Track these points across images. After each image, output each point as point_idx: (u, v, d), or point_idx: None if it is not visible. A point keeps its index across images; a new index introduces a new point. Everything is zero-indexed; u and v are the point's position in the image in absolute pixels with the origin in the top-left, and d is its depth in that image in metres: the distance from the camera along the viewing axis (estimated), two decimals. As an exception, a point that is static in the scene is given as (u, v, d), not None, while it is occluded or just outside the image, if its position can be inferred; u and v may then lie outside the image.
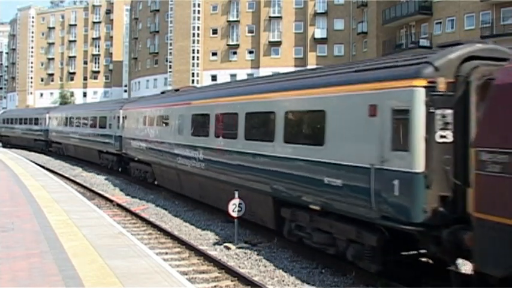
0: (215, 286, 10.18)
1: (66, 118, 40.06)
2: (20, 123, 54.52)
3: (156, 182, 22.67)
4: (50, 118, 45.16)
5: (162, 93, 25.22)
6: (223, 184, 15.08)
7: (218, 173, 15.39)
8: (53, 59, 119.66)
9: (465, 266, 9.22)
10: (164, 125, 20.30)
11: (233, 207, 13.25)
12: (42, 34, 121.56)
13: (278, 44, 72.07)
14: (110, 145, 29.12)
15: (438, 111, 8.40)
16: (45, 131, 45.56)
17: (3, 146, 58.11)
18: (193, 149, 16.88)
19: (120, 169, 29.00)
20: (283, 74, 15.81)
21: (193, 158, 16.79)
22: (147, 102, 24.15)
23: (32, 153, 46.85)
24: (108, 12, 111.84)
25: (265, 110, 13.07)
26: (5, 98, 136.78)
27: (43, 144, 47.03)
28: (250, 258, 12.11)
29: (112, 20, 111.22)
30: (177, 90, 23.09)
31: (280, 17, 72.08)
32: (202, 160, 16.13)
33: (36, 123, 48.77)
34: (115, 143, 28.15)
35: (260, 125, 13.74)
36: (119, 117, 27.79)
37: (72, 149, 38.71)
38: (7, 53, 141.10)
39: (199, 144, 16.49)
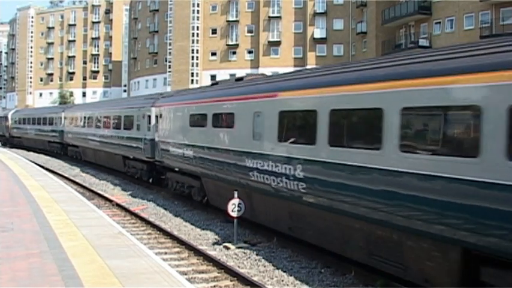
0: (214, 286, 10.19)
1: (84, 118, 35.11)
2: (33, 123, 49.88)
3: (205, 200, 17.82)
4: (65, 118, 40.49)
5: (215, 84, 19.24)
6: (353, 221, 10.01)
7: (339, 201, 10.17)
8: (52, 58, 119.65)
9: None
10: (225, 126, 15.27)
11: (232, 207, 13.26)
12: (42, 34, 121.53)
13: (277, 44, 72.07)
14: (139, 150, 24.29)
15: None
16: (60, 132, 41.09)
17: (3, 145, 56.66)
18: (283, 161, 11.95)
19: (151, 180, 24.09)
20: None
21: (284, 174, 11.89)
22: (195, 97, 18.62)
23: (31, 153, 46.70)
24: (108, 12, 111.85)
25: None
26: (4, 98, 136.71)
27: (58, 147, 42.59)
28: (249, 258, 12.13)
29: (111, 20, 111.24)
30: (239, 79, 17.22)
31: (279, 17, 72.08)
32: (300, 178, 11.30)
33: (50, 123, 44.16)
34: (145, 148, 23.39)
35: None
36: (149, 116, 23.21)
37: (91, 153, 34.18)
38: (6, 53, 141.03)
39: (295, 154, 11.57)
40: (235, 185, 14.15)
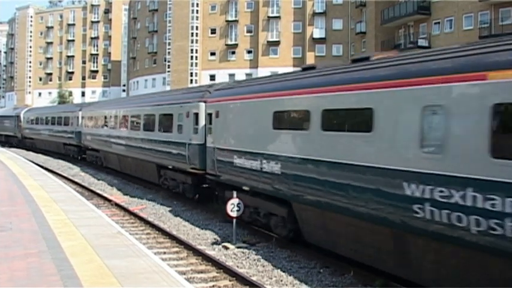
0: (213, 286, 10.18)
1: (106, 117, 30.01)
2: (46, 123, 45.20)
3: (291, 234, 12.93)
4: (83, 117, 35.89)
5: (310, 68, 13.01)
6: None
7: None
8: (51, 58, 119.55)
9: None
10: (353, 129, 10.31)
11: (231, 207, 13.26)
12: (41, 33, 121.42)
13: (277, 43, 72.07)
14: (181, 159, 19.22)
15: None
16: (77, 133, 36.50)
17: (13, 147, 53.48)
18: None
19: (197, 196, 19.20)
20: None
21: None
22: (282, 86, 12.99)
23: (31, 152, 46.58)
24: (107, 11, 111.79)
25: None
26: (3, 97, 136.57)
27: (75, 151, 38.15)
28: (248, 258, 12.12)
29: (110, 19, 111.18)
30: (362, 59, 11.23)
31: (278, 17, 72.07)
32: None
33: (65, 124, 39.62)
34: (191, 155, 18.23)
35: None
36: (196, 114, 17.97)
37: (115, 159, 28.87)
38: (5, 53, 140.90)
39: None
40: (372, 220, 9.54)
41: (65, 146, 40.31)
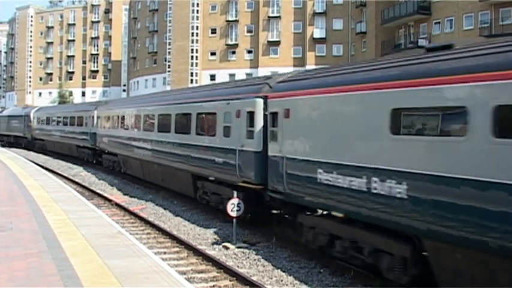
0: (214, 286, 10.18)
1: (126, 117, 26.21)
2: (58, 124, 41.91)
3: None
4: (98, 117, 32.26)
5: (435, 49, 9.16)
6: None
7: None
8: (51, 58, 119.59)
9: None
10: None
11: (231, 207, 13.25)
12: (41, 33, 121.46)
13: (277, 43, 72.06)
14: (228, 169, 15.24)
15: None
16: (92, 135, 32.98)
17: (2, 146, 53.68)
18: None
19: (248, 216, 14.62)
20: None
21: None
22: (406, 73, 9.03)
23: (31, 152, 46.51)
24: (107, 11, 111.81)
25: None
26: (3, 97, 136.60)
27: (89, 154, 34.89)
28: (248, 258, 12.12)
29: (111, 19, 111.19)
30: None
31: (279, 17, 72.06)
32: None
33: (79, 124, 36.25)
34: (243, 165, 14.43)
35: None
36: (251, 113, 14.17)
37: (137, 166, 24.96)
38: (6, 53, 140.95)
39: None
40: None
41: (78, 148, 36.94)
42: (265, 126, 13.53)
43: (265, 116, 13.59)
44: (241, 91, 15.50)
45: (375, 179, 9.28)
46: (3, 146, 55.03)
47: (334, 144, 10.64)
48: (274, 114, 12.83)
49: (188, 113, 18.67)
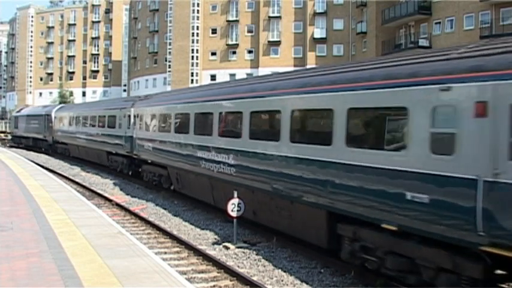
0: (214, 286, 10.18)
1: (180, 116, 19.24)
2: (84, 125, 35.09)
3: None
4: (136, 116, 24.95)
5: None
6: None
7: None
8: (52, 58, 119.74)
9: None
10: None
11: (232, 207, 13.26)
12: (42, 33, 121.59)
13: (277, 43, 72.09)
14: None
15: None
16: (128, 139, 26.05)
17: (27, 150, 47.91)
18: None
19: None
20: None
21: None
22: None
23: (31, 152, 46.39)
24: (108, 11, 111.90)
25: None
26: (4, 97, 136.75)
27: (124, 164, 27.73)
28: (249, 257, 12.12)
29: (111, 19, 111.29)
30: None
31: (279, 17, 72.10)
32: None
33: (110, 126, 29.35)
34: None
35: None
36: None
37: (204, 185, 17.30)
38: (6, 53, 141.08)
39: None
40: None
41: (109, 156, 30.04)
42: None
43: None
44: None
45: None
46: (20, 148, 51.47)
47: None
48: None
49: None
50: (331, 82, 10.91)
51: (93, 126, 32.94)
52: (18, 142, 55.65)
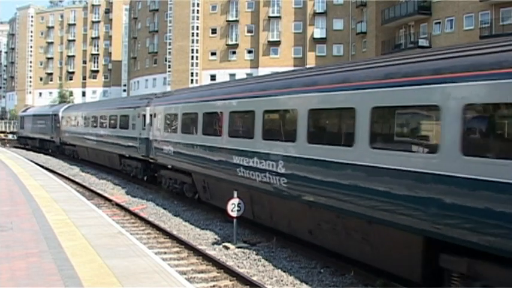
0: (214, 286, 10.18)
1: (206, 116, 16.70)
2: (94, 125, 32.47)
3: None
4: (153, 115, 22.23)
5: None
6: None
7: None
8: (52, 58, 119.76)
9: None
10: None
11: (232, 207, 13.26)
12: (41, 33, 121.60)
13: (277, 43, 72.10)
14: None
15: None
16: (143, 141, 23.47)
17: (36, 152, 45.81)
18: None
19: None
20: None
21: None
22: None
23: (31, 152, 46.37)
24: (107, 11, 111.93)
25: None
26: (3, 97, 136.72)
27: (138, 168, 25.18)
28: (249, 258, 12.12)
29: (111, 19, 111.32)
30: None
31: (279, 17, 72.11)
32: None
33: (123, 126, 26.81)
34: None
35: None
36: None
37: (244, 197, 13.51)
38: (6, 53, 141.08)
39: None
40: None
41: (122, 159, 27.73)
42: None
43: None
44: None
45: None
46: (27, 149, 49.62)
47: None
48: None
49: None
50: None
51: (104, 126, 30.42)
52: (25, 143, 53.65)
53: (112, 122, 29.05)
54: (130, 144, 25.38)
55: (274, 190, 12.35)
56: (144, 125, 23.68)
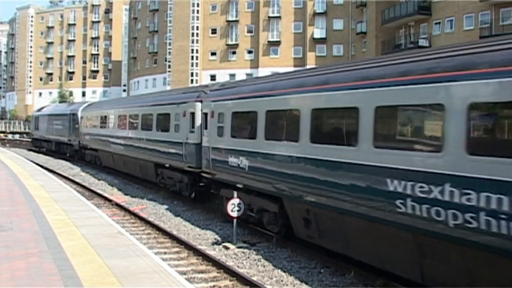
0: (214, 286, 10.18)
1: (315, 113, 11.04)
2: (122, 127, 26.84)
3: None
4: (211, 115, 16.37)
5: None
6: None
7: None
8: (52, 58, 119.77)
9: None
10: None
11: (232, 207, 13.26)
12: (41, 33, 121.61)
13: (277, 43, 72.10)
14: None
15: None
16: (191, 147, 18.31)
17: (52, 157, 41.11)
18: None
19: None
20: None
21: None
22: None
23: (31, 152, 46.35)
24: (107, 11, 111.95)
25: None
26: (3, 97, 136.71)
27: (185, 182, 19.60)
28: (249, 258, 12.12)
29: (111, 19, 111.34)
30: None
31: (279, 17, 72.11)
32: None
33: (163, 128, 21.25)
34: None
35: None
36: None
37: (405, 248, 8.76)
38: (6, 53, 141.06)
39: None
40: None
41: (158, 169, 22.24)
42: None
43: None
44: None
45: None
46: (40, 152, 46.29)
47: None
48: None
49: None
50: None
51: (135, 128, 24.79)
52: (39, 146, 48.63)
53: (146, 122, 23.45)
54: (173, 151, 19.94)
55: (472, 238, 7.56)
56: (193, 127, 18.34)
